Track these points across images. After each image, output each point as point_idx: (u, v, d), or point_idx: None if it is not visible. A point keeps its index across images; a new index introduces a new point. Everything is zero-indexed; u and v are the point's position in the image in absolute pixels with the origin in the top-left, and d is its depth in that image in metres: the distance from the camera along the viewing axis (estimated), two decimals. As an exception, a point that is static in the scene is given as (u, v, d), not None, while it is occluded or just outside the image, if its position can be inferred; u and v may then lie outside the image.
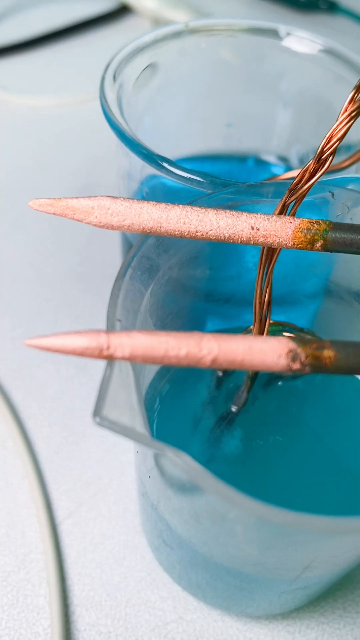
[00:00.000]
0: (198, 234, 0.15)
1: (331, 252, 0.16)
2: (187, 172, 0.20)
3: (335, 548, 0.15)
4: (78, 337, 0.13)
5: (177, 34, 0.26)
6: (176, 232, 0.15)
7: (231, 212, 0.15)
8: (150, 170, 0.21)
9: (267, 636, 0.23)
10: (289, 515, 0.12)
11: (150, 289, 0.17)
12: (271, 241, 0.16)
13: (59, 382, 0.30)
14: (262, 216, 0.16)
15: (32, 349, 0.31)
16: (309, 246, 0.16)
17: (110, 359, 0.13)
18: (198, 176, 0.20)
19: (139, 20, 0.54)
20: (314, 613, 0.23)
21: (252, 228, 0.15)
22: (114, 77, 0.24)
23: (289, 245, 0.16)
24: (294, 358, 0.13)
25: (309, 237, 0.16)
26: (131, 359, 0.13)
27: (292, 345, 0.13)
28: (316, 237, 0.16)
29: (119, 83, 0.24)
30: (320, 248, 0.16)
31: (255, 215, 0.16)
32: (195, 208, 0.15)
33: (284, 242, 0.16)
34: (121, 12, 0.54)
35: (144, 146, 0.21)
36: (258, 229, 0.15)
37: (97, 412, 0.12)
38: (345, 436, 0.22)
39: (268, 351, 0.13)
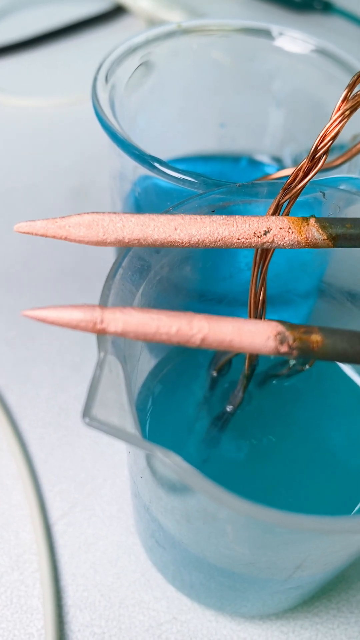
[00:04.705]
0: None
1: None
2: (179, 173, 0.20)
3: (325, 547, 0.15)
4: (73, 310, 0.13)
5: (169, 34, 0.26)
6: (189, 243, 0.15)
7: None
8: (142, 170, 0.21)
9: (260, 636, 0.23)
10: (277, 515, 0.12)
11: (142, 289, 0.17)
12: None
13: (53, 383, 0.30)
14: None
15: (26, 350, 0.31)
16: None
17: (104, 333, 0.13)
18: (190, 176, 0.20)
19: (134, 20, 0.54)
20: (307, 613, 0.23)
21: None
22: (106, 78, 0.24)
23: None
24: (282, 341, 0.13)
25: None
26: (123, 335, 0.13)
27: (280, 328, 0.13)
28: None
29: (111, 84, 0.24)
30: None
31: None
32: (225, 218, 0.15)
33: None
34: (116, 12, 0.54)
35: (136, 147, 0.21)
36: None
37: (86, 412, 0.12)
38: (340, 436, 0.22)
39: (257, 333, 0.13)
